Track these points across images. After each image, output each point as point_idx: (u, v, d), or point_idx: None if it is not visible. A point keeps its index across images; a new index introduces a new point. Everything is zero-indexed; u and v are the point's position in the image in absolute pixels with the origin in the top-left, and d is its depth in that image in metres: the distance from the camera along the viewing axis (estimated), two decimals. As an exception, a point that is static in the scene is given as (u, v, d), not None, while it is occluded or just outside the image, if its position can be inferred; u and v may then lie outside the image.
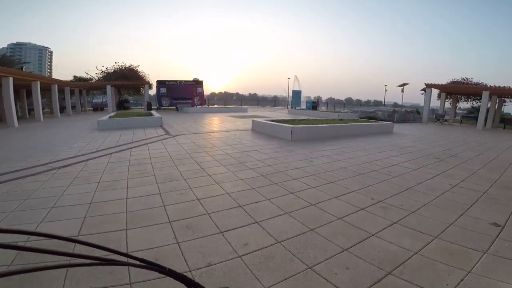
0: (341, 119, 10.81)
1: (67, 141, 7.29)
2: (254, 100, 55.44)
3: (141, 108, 28.45)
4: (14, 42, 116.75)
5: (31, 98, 19.92)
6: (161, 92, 25.76)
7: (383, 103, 33.92)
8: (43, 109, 28.91)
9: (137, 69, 32.41)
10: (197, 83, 27.33)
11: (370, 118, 15.29)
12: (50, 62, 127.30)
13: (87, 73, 35.66)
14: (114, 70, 32.02)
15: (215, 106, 31.91)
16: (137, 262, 0.55)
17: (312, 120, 10.22)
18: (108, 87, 25.95)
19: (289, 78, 38.25)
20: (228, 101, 47.41)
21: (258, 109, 28.85)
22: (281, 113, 21.33)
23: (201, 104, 26.25)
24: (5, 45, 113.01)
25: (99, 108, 29.72)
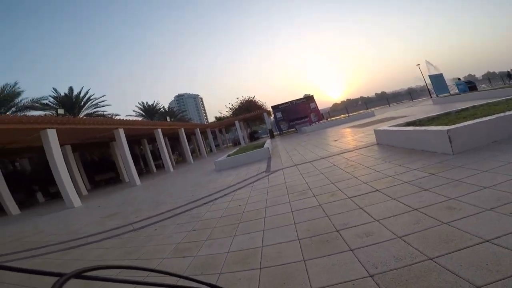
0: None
1: (182, 189, 7.54)
2: (383, 99, 47.77)
3: (268, 136, 29.63)
4: (177, 94, 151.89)
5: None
6: (277, 117, 25.71)
7: None
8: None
9: (254, 100, 34.79)
10: (308, 99, 25.69)
11: None
12: (203, 106, 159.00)
13: (220, 113, 41.54)
14: (239, 105, 35.46)
15: (337, 117, 28.91)
16: None
17: (484, 106, 6.08)
18: (236, 123, 28.32)
19: (418, 64, 30.70)
20: (353, 107, 42.86)
21: (388, 109, 23.71)
22: (423, 107, 16.07)
23: (318, 120, 24.23)
24: (172, 98, 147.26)
25: (237, 142, 32.18)
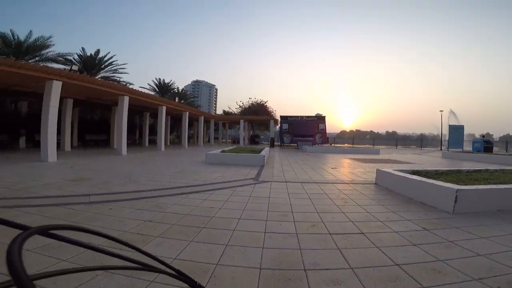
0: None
1: (162, 172, 7.26)
2: (392, 139, 47.36)
3: (268, 143, 29.26)
4: (195, 80, 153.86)
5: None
6: (283, 128, 25.34)
7: None
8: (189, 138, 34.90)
9: (266, 105, 34.46)
10: (319, 118, 25.36)
11: None
12: (216, 97, 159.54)
13: (229, 108, 41.27)
14: (249, 106, 35.17)
15: (341, 145, 28.52)
16: (173, 272, 0.61)
17: (498, 172, 5.71)
18: (241, 122, 28.09)
19: (441, 111, 30.14)
20: (359, 140, 42.55)
21: (395, 151, 23.27)
22: (431, 158, 15.63)
23: (322, 143, 23.84)
24: (189, 82, 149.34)
25: (237, 140, 32.02)
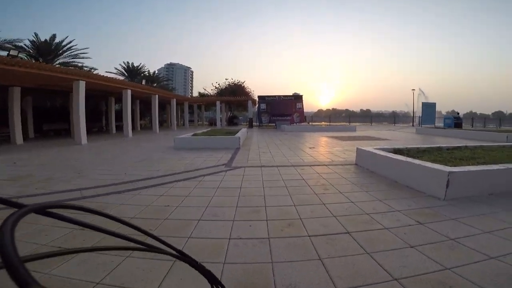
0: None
1: (121, 162, 6.45)
2: (366, 117, 48.26)
3: (246, 124, 28.50)
4: (168, 62, 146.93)
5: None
6: (261, 108, 24.63)
7: None
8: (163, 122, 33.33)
9: (243, 85, 33.27)
10: (297, 98, 24.87)
11: None
12: (192, 80, 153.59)
13: (205, 89, 39.55)
14: (226, 87, 33.81)
15: (318, 124, 28.41)
16: (174, 252, 0.61)
17: (478, 149, 5.47)
18: (217, 103, 26.96)
19: (413, 90, 30.88)
20: (336, 118, 42.85)
21: (370, 128, 23.55)
22: (406, 134, 15.79)
23: (300, 121, 23.50)
24: (163, 65, 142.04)
25: (214, 122, 30.84)
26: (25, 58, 21.81)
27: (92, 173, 5.05)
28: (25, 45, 22.25)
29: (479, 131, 13.13)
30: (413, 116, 30.48)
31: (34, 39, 23.22)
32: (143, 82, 23.96)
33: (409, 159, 4.03)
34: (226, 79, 39.57)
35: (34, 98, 17.67)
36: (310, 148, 8.51)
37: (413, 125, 28.76)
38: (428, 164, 3.61)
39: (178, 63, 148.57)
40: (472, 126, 24.14)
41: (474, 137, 11.54)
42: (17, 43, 20.93)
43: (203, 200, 3.30)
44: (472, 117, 27.66)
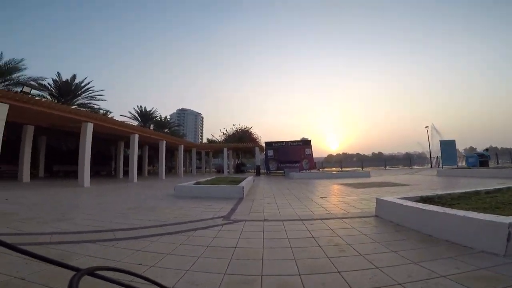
0: None
1: (113, 207, 6.09)
2: (379, 160, 47.02)
3: (254, 172, 27.88)
4: (180, 108, 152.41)
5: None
6: (268, 155, 24.24)
7: None
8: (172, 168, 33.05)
9: (250, 131, 33.50)
10: (305, 143, 24.48)
11: None
12: (202, 126, 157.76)
13: (212, 136, 40.00)
14: (233, 133, 34.09)
15: (329, 170, 27.55)
16: None
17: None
18: (225, 150, 26.85)
19: (426, 127, 30.37)
20: (347, 163, 41.91)
21: (385, 172, 22.48)
22: (426, 177, 14.71)
23: (310, 168, 22.77)
24: (175, 110, 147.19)
25: (221, 170, 30.55)
26: (48, 97, 22.91)
27: (77, 217, 4.67)
28: (48, 84, 23.44)
29: (507, 169, 12.03)
30: (430, 157, 29.15)
31: (57, 79, 24.35)
32: (151, 127, 24.34)
33: (447, 210, 3.28)
34: (233, 125, 40.39)
35: (48, 138, 18.23)
36: (321, 197, 7.71)
37: (431, 167, 27.33)
38: (477, 215, 2.88)
39: (189, 109, 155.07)
40: (498, 163, 22.20)
41: (508, 175, 10.49)
42: (40, 81, 22.10)
43: (185, 261, 2.60)
44: (496, 152, 25.69)
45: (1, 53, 18.79)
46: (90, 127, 11.71)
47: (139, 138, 16.07)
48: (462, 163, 19.06)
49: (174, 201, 7.25)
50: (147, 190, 10.67)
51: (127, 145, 22.04)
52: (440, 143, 19.38)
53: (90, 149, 11.76)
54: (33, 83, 21.27)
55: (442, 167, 18.83)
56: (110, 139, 20.67)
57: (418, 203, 4.03)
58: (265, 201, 7.16)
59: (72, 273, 0.49)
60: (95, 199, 7.58)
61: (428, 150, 30.57)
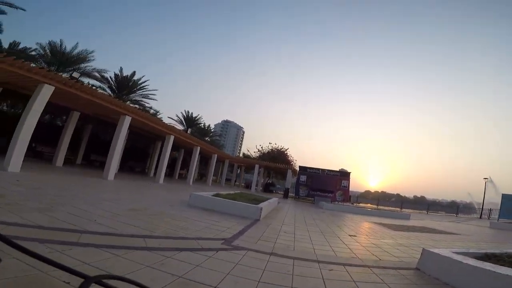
0: None
1: (115, 205, 5.69)
2: (421, 204, 42.44)
3: (282, 194, 26.69)
4: (225, 119, 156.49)
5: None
6: (300, 179, 22.95)
7: None
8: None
9: (286, 152, 32.47)
10: (343, 174, 22.77)
11: None
12: (242, 139, 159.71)
13: (248, 150, 39.75)
14: (268, 151, 33.37)
15: (364, 206, 25.15)
16: None
17: None
18: (256, 167, 26.22)
19: (486, 178, 27.37)
20: (385, 202, 38.36)
21: (427, 217, 19.79)
22: (477, 228, 12.55)
23: (344, 200, 20.95)
24: (220, 121, 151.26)
25: (249, 185, 29.93)
26: (107, 90, 24.41)
27: (63, 210, 4.24)
28: (110, 77, 24.82)
29: None
30: (482, 207, 26.11)
31: (118, 73, 25.54)
32: (188, 131, 24.62)
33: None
34: (269, 143, 39.52)
35: (93, 128, 19.22)
36: (350, 235, 6.50)
37: (480, 217, 24.42)
38: None
39: (233, 122, 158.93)
40: None
41: None
42: (103, 73, 23.52)
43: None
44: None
45: (77, 43, 20.84)
46: (127, 120, 11.81)
47: (175, 140, 16.21)
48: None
49: (183, 209, 6.63)
50: (166, 192, 10.34)
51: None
52: (502, 196, 17.17)
53: (122, 142, 11.92)
54: (96, 74, 23.01)
55: (498, 220, 16.30)
56: (150, 137, 21.17)
57: (486, 262, 2.84)
58: (282, 229, 6.18)
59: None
60: (106, 193, 7.27)
61: (481, 202, 27.75)
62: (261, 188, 29.61)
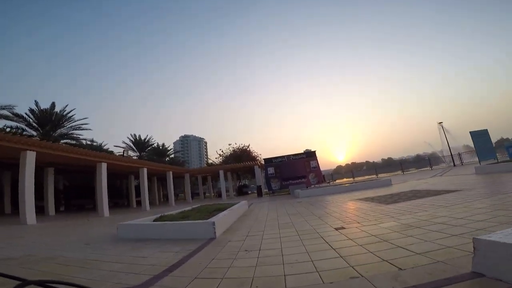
0: None
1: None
2: (392, 165, 43.46)
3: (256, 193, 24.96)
4: (183, 135, 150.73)
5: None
6: (269, 173, 21.25)
7: None
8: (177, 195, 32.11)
9: (249, 149, 30.64)
10: (309, 155, 21.46)
11: None
12: (206, 150, 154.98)
13: (209, 159, 37.11)
14: (230, 153, 31.26)
15: (341, 182, 24.36)
16: None
17: None
18: (220, 172, 24.07)
19: (440, 123, 27.82)
20: (359, 172, 38.49)
21: (407, 177, 19.29)
22: (468, 177, 11.26)
23: (318, 182, 19.69)
24: (178, 138, 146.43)
25: (221, 194, 27.97)
26: (26, 128, 21.28)
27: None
28: (25, 114, 21.70)
29: None
30: (450, 153, 26.32)
31: (34, 108, 22.53)
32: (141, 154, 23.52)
33: None
34: (229, 144, 37.28)
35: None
36: (336, 229, 4.75)
37: (454, 165, 24.61)
38: None
39: (192, 135, 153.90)
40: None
41: None
42: (14, 110, 20.33)
43: None
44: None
45: None
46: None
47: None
48: (504, 157, 16.29)
49: (101, 247, 4.70)
50: (99, 227, 8.21)
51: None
52: (472, 135, 16.05)
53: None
54: (6, 112, 19.38)
55: (480, 163, 15.79)
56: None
57: None
58: (243, 245, 4.22)
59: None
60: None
61: (445, 148, 28.40)
62: (234, 193, 27.50)
